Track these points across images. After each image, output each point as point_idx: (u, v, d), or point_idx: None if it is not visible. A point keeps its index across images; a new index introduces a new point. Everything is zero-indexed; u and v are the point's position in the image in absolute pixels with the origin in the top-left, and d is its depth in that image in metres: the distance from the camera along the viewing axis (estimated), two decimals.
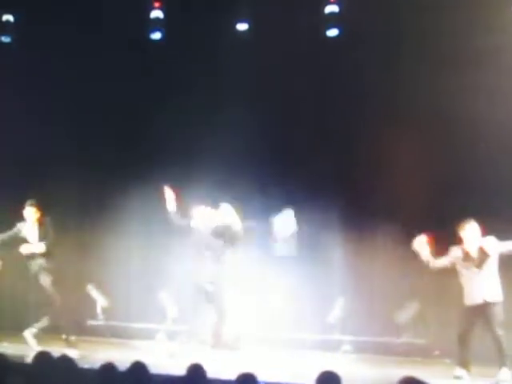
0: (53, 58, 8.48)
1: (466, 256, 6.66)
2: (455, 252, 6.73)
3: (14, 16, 8.59)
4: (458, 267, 6.73)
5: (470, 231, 6.68)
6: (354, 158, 8.38)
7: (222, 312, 7.11)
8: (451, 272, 7.71)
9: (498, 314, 6.51)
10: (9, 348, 7.04)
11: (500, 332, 6.45)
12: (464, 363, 6.59)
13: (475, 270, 6.59)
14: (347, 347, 8.19)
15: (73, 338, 7.44)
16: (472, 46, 7.81)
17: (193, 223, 7.33)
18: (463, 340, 6.58)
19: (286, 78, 8.30)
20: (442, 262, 6.78)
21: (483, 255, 6.59)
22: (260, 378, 4.22)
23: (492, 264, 6.60)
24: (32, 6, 8.41)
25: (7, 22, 8.59)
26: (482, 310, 6.54)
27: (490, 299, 6.53)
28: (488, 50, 7.80)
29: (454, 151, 8.16)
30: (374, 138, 8.17)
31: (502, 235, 7.27)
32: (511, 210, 7.68)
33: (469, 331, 6.59)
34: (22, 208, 7.69)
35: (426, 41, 8.06)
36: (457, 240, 6.76)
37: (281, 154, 8.49)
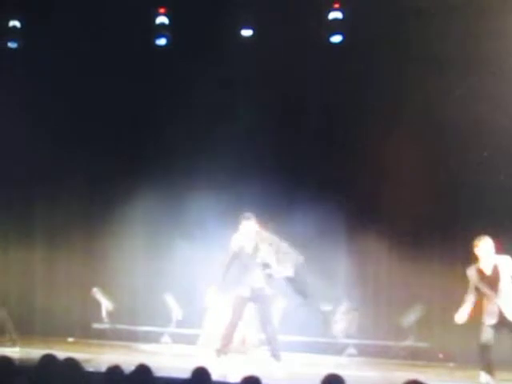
0: (58, 63, 8.53)
1: (481, 275, 6.49)
2: (470, 272, 6.54)
3: (20, 22, 8.63)
4: (476, 286, 6.55)
5: (485, 249, 6.49)
6: (358, 164, 8.39)
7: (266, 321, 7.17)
8: (455, 276, 7.76)
9: None
10: (14, 351, 7.10)
11: None
12: (488, 368, 6.40)
13: (491, 289, 6.44)
14: (352, 350, 8.21)
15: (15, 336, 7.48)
16: (476, 51, 7.83)
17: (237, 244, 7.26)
18: (485, 347, 6.40)
19: (289, 83, 8.33)
20: (469, 298, 6.53)
21: (498, 274, 6.43)
22: (264, 380, 4.23)
23: (508, 283, 6.44)
24: (38, 12, 8.46)
25: (14, 27, 8.63)
26: (502, 326, 6.40)
27: (509, 317, 6.38)
28: (491, 55, 7.83)
29: (458, 157, 8.19)
30: (377, 144, 8.20)
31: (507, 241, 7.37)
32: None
33: (490, 341, 6.40)
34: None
35: (429, 47, 8.08)
36: (472, 258, 6.60)
37: (284, 160, 8.51)
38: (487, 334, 6.40)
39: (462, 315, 6.45)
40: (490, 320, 6.43)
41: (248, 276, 7.05)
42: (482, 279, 6.49)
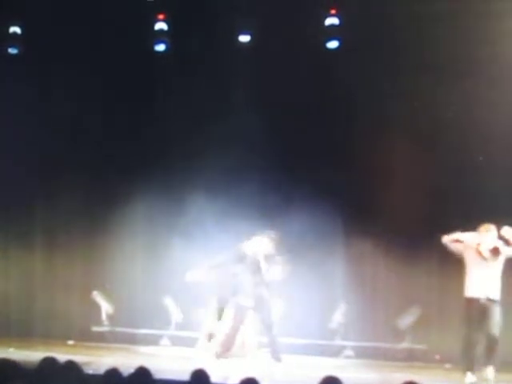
0: (58, 69, 8.59)
1: (478, 250, 6.65)
2: (472, 239, 6.68)
3: (20, 28, 8.68)
4: (466, 256, 6.73)
5: (489, 235, 6.66)
6: (355, 167, 8.43)
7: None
8: (452, 278, 7.80)
9: (497, 313, 6.55)
10: (14, 353, 7.14)
11: (496, 332, 6.50)
12: (471, 367, 6.53)
13: (484, 264, 6.60)
14: (349, 352, 8.26)
15: None
16: (471, 55, 7.91)
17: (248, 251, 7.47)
18: (469, 343, 6.54)
19: (286, 88, 8.37)
20: (457, 246, 6.77)
21: (495, 253, 6.61)
22: (262, 383, 4.27)
23: (500, 264, 6.64)
24: (38, 18, 8.51)
25: (14, 33, 8.68)
26: (482, 306, 6.55)
27: (492, 296, 6.56)
28: (486, 59, 7.89)
29: (455, 159, 8.24)
30: (374, 147, 8.25)
31: None
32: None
33: (472, 331, 6.54)
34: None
35: (424, 52, 8.15)
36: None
37: (281, 165, 8.56)
38: (467, 314, 6.55)
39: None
40: (470, 293, 6.57)
41: (252, 286, 7.14)
42: (477, 252, 6.62)
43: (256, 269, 7.28)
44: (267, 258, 7.36)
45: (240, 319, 7.22)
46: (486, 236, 6.68)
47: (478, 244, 6.69)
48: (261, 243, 7.39)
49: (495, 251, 6.65)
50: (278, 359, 7.04)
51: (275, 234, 7.45)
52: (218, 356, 7.04)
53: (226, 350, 7.09)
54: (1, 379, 4.09)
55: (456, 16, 7.85)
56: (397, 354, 8.16)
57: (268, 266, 7.32)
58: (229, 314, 7.49)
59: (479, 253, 6.68)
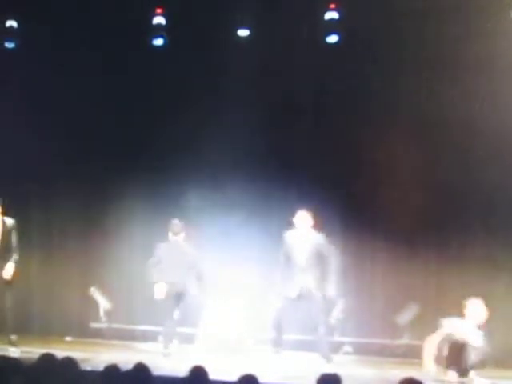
0: (55, 63, 8.55)
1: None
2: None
3: (17, 22, 8.65)
4: None
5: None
6: (354, 164, 8.43)
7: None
8: (450, 275, 7.81)
9: None
10: (12, 350, 7.13)
11: None
12: None
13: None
14: (347, 348, 8.26)
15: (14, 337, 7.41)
16: (471, 51, 7.89)
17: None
18: None
19: (286, 83, 8.37)
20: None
21: None
22: (261, 379, 4.27)
23: None
24: (35, 12, 8.48)
25: (11, 27, 8.65)
26: None
27: None
28: (486, 55, 7.88)
29: (454, 157, 8.24)
30: (372, 143, 8.23)
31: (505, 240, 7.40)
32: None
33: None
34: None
35: (425, 47, 8.14)
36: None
37: (280, 159, 8.55)
38: None
39: None
40: None
41: (297, 277, 7.13)
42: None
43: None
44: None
45: (284, 313, 7.27)
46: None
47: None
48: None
49: None
50: (328, 359, 7.12)
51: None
52: (276, 351, 7.17)
53: (279, 344, 7.20)
54: (2, 376, 4.09)
55: (456, 11, 7.83)
56: (395, 350, 8.16)
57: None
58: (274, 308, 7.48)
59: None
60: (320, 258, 7.26)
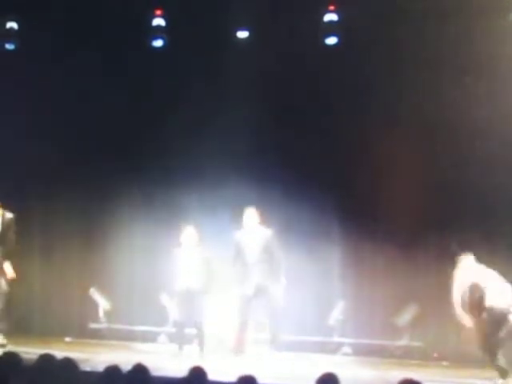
0: (56, 65, 8.56)
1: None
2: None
3: (17, 23, 8.66)
4: None
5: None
6: (354, 164, 8.44)
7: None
8: (450, 276, 7.79)
9: None
10: (12, 350, 7.12)
11: None
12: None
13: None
14: (347, 349, 8.26)
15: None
16: (470, 53, 7.90)
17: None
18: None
19: (285, 85, 8.38)
20: None
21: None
22: (260, 380, 4.27)
23: None
24: (35, 13, 8.49)
25: (11, 29, 8.66)
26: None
27: None
28: (485, 56, 7.88)
29: (454, 157, 8.25)
30: (372, 144, 8.24)
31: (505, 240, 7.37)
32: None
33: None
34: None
35: (423, 48, 8.14)
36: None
37: (280, 161, 8.56)
38: None
39: None
40: None
41: (251, 274, 7.14)
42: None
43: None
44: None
45: (246, 311, 7.24)
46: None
47: None
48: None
49: None
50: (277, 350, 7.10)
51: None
52: (236, 353, 7.10)
53: (240, 344, 7.14)
54: (1, 376, 4.10)
55: (455, 12, 7.83)
56: (395, 351, 8.17)
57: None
58: (233, 308, 7.48)
59: None
60: (269, 253, 7.32)
